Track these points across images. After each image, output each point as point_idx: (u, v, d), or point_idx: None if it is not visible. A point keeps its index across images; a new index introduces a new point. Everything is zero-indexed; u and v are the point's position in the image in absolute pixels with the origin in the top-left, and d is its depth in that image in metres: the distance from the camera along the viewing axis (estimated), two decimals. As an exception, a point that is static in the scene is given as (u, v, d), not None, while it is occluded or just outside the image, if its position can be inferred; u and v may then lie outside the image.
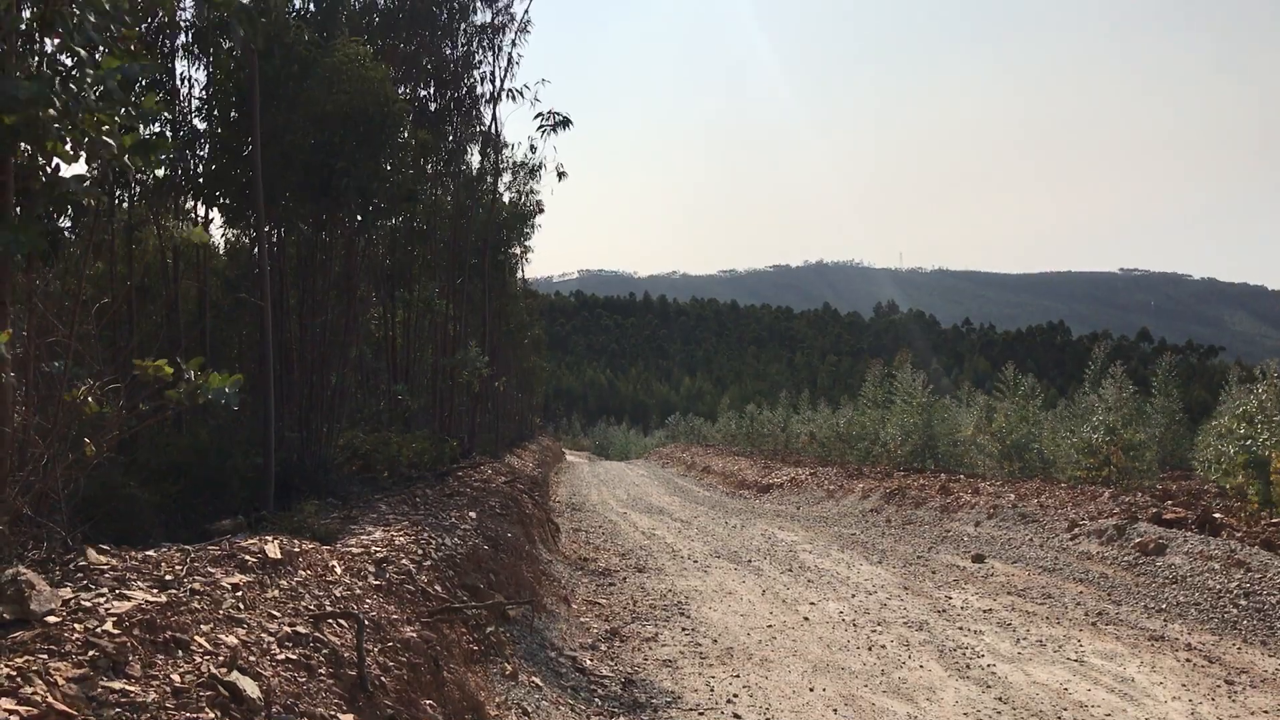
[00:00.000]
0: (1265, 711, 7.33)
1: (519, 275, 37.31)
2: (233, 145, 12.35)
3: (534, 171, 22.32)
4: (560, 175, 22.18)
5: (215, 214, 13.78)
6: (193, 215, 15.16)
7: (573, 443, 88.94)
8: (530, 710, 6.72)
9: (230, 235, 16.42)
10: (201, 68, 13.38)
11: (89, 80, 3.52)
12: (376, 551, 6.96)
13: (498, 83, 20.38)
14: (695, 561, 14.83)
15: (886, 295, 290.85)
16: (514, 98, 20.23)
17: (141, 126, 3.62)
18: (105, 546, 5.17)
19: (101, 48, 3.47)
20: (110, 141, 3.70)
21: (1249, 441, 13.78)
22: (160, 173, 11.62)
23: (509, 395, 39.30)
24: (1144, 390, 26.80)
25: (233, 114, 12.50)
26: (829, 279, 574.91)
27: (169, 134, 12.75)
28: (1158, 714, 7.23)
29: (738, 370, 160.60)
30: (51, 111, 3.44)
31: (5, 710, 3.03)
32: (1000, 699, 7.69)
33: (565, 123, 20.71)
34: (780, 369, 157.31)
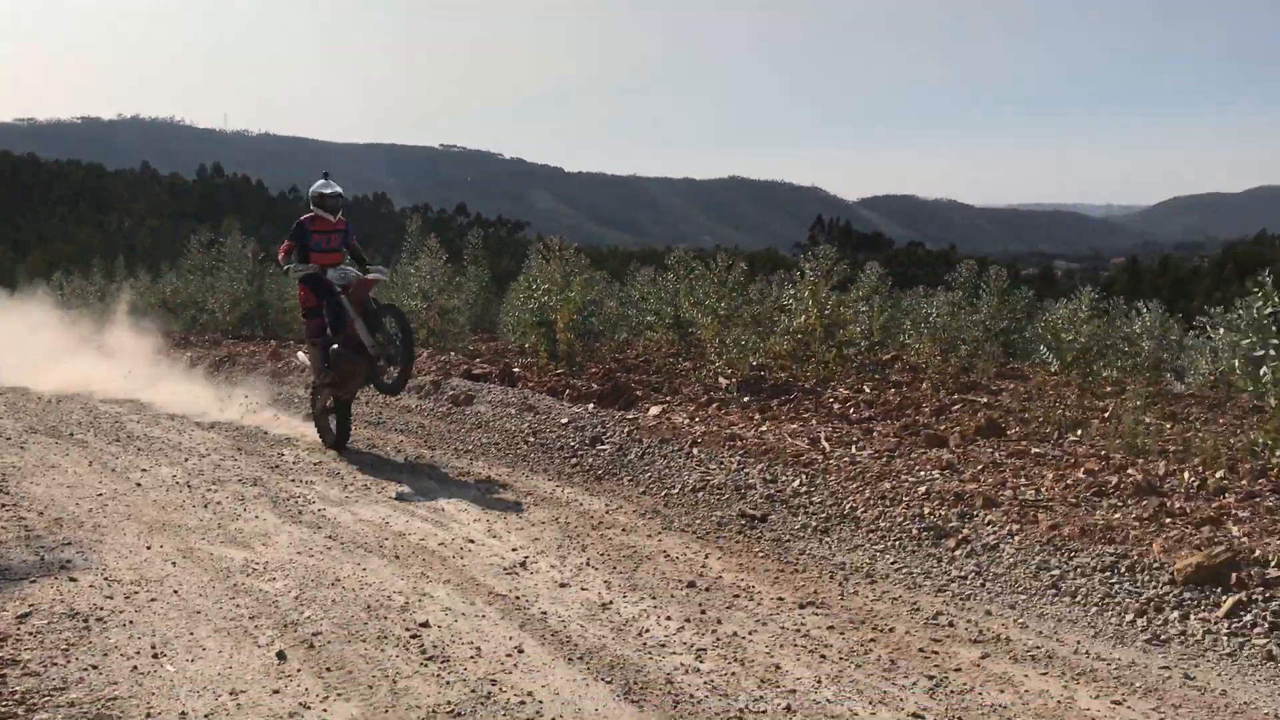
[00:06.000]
0: (543, 523, 9.10)
1: None
2: None
3: None
4: None
5: None
6: None
7: None
8: None
9: None
10: None
11: None
12: None
13: None
14: (7, 439, 13.66)
15: (211, 157, 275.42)
16: None
17: None
18: None
19: None
20: None
21: (536, 305, 16.24)
22: None
23: None
24: (459, 261, 29.37)
25: None
26: (148, 136, 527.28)
27: None
28: (461, 534, 8.63)
29: (42, 234, 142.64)
30: None
31: None
32: (330, 537, 8.56)
33: None
34: (92, 233, 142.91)
